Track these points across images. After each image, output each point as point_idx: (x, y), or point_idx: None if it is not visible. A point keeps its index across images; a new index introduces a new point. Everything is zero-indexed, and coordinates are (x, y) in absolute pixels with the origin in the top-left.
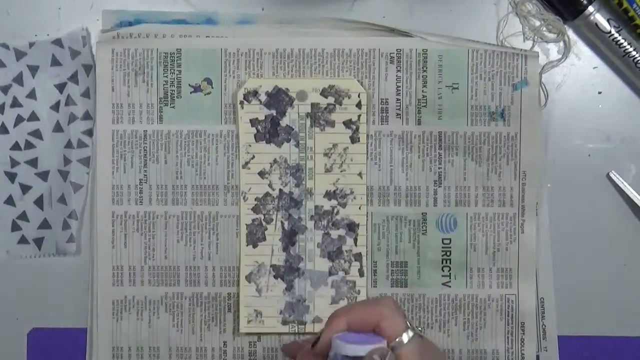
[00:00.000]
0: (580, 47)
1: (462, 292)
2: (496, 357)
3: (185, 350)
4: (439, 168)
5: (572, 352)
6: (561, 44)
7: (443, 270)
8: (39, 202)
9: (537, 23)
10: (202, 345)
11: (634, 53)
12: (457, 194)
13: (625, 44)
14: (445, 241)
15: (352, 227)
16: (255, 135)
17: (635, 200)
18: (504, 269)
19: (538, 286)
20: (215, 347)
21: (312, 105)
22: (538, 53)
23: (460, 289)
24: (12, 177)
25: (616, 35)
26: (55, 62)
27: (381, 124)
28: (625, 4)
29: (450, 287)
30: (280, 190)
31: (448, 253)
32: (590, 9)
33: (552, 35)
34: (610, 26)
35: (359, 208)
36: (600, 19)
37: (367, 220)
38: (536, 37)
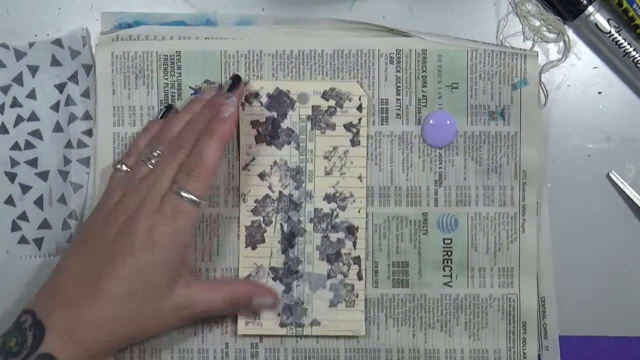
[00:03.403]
0: (580, 47)
1: (464, 292)
2: (498, 357)
3: (187, 352)
4: (439, 168)
5: (573, 351)
6: (561, 44)
7: (444, 270)
8: (39, 202)
9: (537, 23)
10: (203, 347)
11: (634, 53)
12: (458, 193)
13: (625, 44)
14: (446, 241)
15: (351, 230)
16: (255, 137)
17: (635, 200)
18: (505, 269)
19: (539, 286)
20: (217, 348)
21: (313, 107)
22: (537, 53)
23: (461, 289)
24: (12, 177)
25: (616, 35)
26: (55, 62)
27: (381, 125)
28: (625, 4)
29: (451, 287)
30: (280, 192)
31: (449, 253)
32: (590, 9)
33: (552, 35)
34: (610, 26)
35: (359, 211)
36: (600, 19)
37: (367, 221)
38: (536, 37)
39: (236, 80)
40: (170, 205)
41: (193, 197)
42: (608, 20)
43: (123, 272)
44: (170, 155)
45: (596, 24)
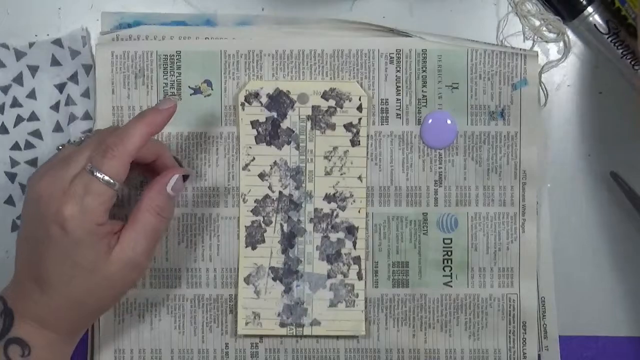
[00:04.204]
0: (580, 47)
1: (464, 292)
2: (498, 357)
3: (187, 352)
4: (439, 168)
5: (573, 351)
6: (561, 43)
7: (444, 270)
8: None
9: (537, 23)
10: (203, 347)
11: (630, 55)
12: (458, 193)
13: (623, 45)
14: (446, 241)
15: (351, 230)
16: (255, 137)
17: (635, 201)
18: (505, 269)
19: (539, 286)
20: (217, 348)
21: (313, 107)
22: (537, 53)
23: (461, 289)
24: (12, 177)
25: (614, 36)
26: (55, 62)
27: (381, 125)
28: (617, 3)
29: (451, 287)
30: (280, 192)
31: (449, 253)
32: (590, 9)
33: (552, 35)
34: (609, 27)
35: (359, 211)
36: (599, 20)
37: (367, 221)
38: (536, 37)
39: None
40: (81, 184)
41: (107, 177)
42: (607, 22)
43: (50, 256)
44: (92, 139)
45: (595, 25)
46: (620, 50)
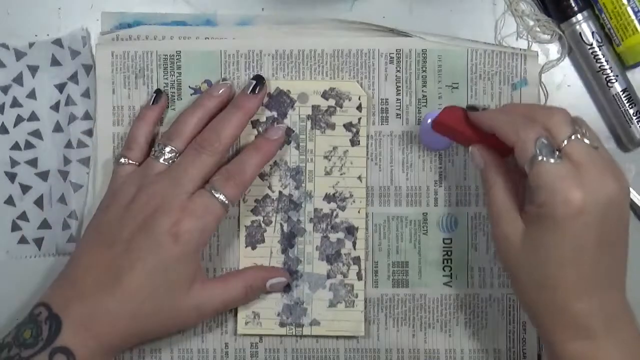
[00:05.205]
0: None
1: (464, 292)
2: (498, 357)
3: (186, 352)
4: (440, 168)
5: None
6: (561, 43)
7: (444, 270)
8: (39, 202)
9: (532, 23)
10: (203, 347)
11: (608, 71)
12: (458, 193)
13: (603, 60)
14: (446, 241)
15: (351, 230)
16: (255, 137)
17: (635, 200)
18: None
19: None
20: (217, 348)
21: (313, 107)
22: (537, 53)
23: (461, 289)
24: (12, 177)
25: (596, 49)
26: (55, 62)
27: (381, 124)
28: (596, 11)
29: (451, 287)
30: (280, 192)
31: (449, 253)
32: (579, 17)
33: (545, 36)
34: (593, 39)
35: (358, 211)
36: (586, 29)
37: (367, 221)
38: (530, 37)
39: (259, 80)
40: (203, 203)
41: (225, 200)
42: (592, 33)
43: (143, 267)
44: (193, 154)
45: (580, 34)
46: (598, 65)
